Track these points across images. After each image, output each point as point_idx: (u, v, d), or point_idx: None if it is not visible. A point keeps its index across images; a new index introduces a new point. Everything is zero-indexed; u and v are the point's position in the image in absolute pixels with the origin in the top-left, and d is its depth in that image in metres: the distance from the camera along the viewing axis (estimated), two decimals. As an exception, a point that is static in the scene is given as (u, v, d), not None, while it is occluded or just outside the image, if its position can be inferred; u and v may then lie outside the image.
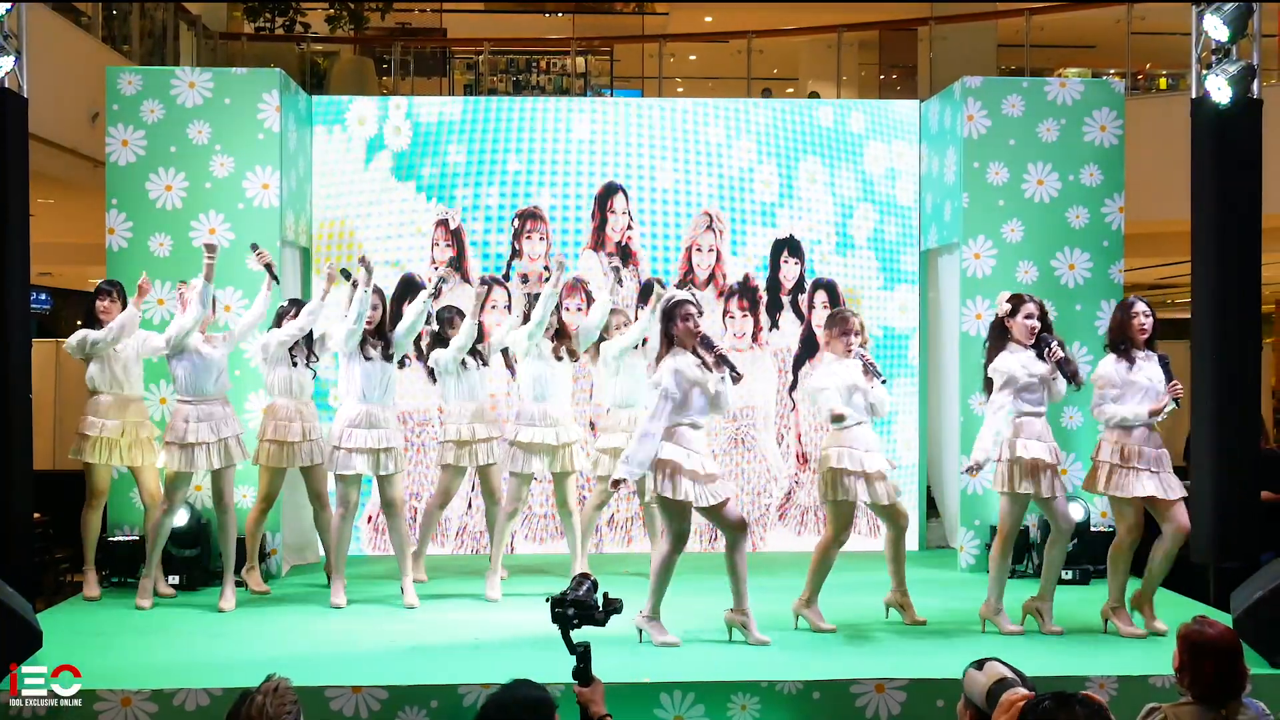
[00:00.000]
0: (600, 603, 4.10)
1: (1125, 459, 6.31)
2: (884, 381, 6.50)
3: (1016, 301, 6.41)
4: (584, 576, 4.16)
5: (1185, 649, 3.89)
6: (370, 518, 8.57)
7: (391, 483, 7.03)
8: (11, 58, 7.13)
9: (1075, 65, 14.68)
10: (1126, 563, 6.46)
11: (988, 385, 6.46)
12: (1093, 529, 7.94)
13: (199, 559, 7.61)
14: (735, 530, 6.15)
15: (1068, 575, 7.74)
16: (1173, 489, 6.31)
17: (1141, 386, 6.31)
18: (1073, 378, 6.36)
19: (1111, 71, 13.63)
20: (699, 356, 6.01)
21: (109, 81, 7.98)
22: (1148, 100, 12.26)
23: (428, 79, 15.52)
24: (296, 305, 7.43)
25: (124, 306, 7.30)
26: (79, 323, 7.42)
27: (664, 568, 6.11)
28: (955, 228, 8.40)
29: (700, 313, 6.08)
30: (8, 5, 7.09)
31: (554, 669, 5.65)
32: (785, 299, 9.03)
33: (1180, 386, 6.39)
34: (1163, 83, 13.93)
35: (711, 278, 8.97)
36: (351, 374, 6.95)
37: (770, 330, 8.99)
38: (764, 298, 9.01)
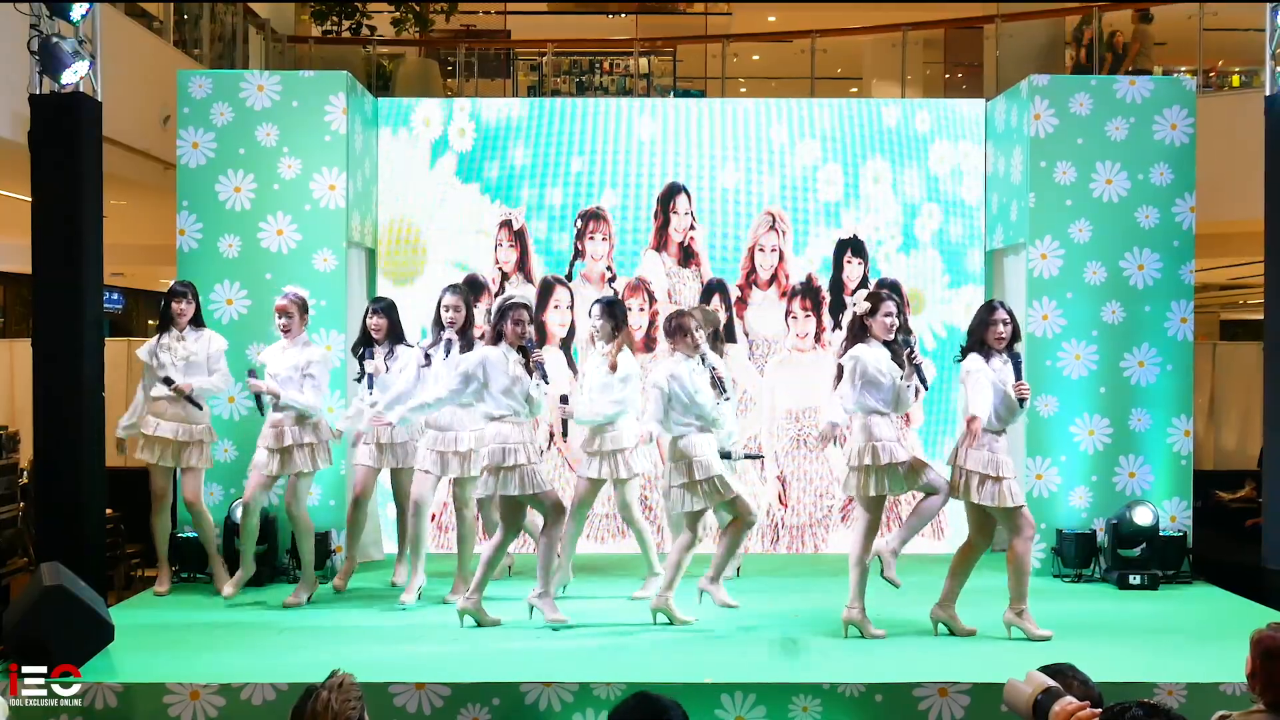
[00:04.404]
0: None
1: (999, 470, 6.27)
2: (726, 399, 6.61)
3: (876, 300, 6.33)
4: None
5: (1258, 655, 3.82)
6: (434, 515, 8.62)
7: (459, 485, 7.07)
8: (86, 62, 7.29)
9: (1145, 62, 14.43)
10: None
11: (839, 377, 6.37)
12: (1162, 533, 7.82)
13: (267, 556, 7.71)
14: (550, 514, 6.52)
15: (1135, 580, 7.65)
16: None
17: (998, 391, 6.29)
18: (924, 383, 6.32)
19: (1183, 69, 13.40)
20: (523, 357, 6.39)
21: (180, 85, 8.11)
22: (1220, 98, 12.02)
23: (492, 80, 15.58)
24: (376, 303, 7.39)
25: (198, 307, 7.38)
26: (153, 323, 7.53)
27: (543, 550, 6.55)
28: (1021, 228, 8.31)
29: (531, 320, 6.46)
30: (83, 11, 7.24)
31: (620, 668, 5.68)
32: (849, 299, 8.96)
33: (1027, 387, 6.39)
34: (1235, 80, 13.64)
35: (774, 278, 8.94)
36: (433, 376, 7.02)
37: (833, 331, 8.92)
38: (827, 298, 8.96)
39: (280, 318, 7.03)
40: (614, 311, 7.05)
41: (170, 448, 7.24)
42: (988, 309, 6.46)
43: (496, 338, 6.41)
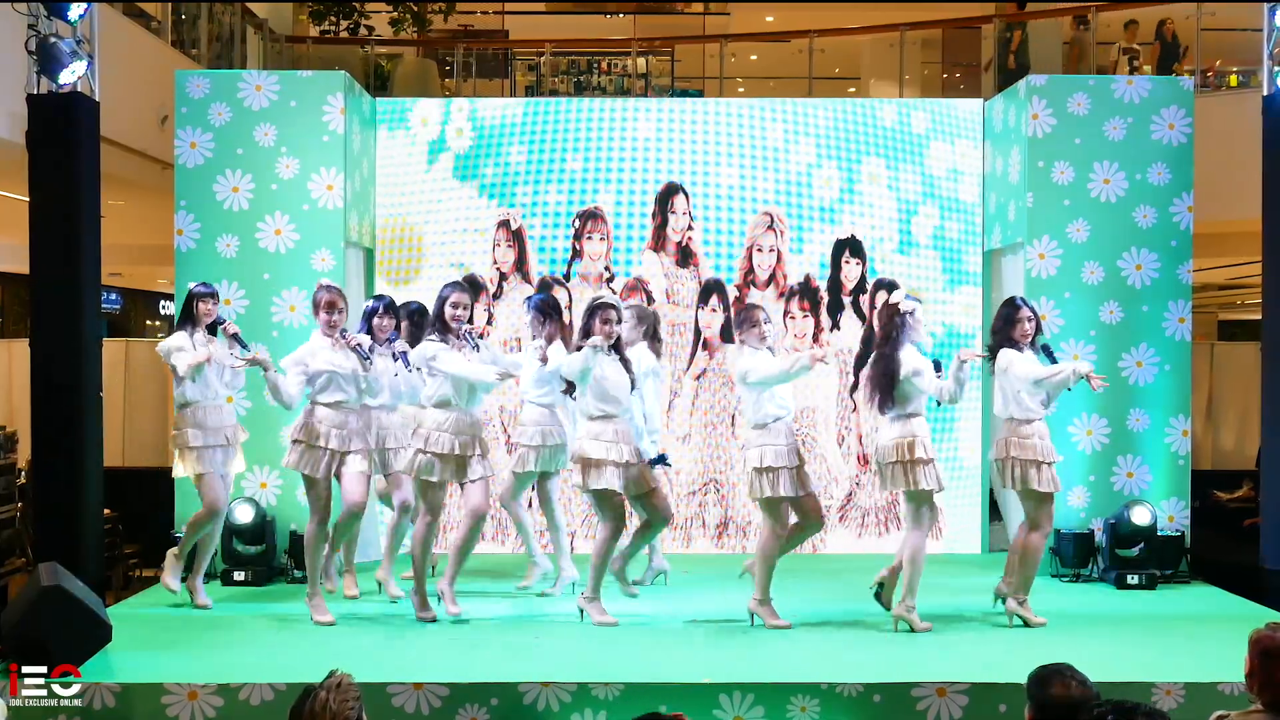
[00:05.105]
0: None
1: (1046, 455, 6.56)
2: None
3: (914, 302, 6.52)
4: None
5: (1256, 654, 3.82)
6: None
7: (471, 490, 6.67)
8: (84, 62, 7.29)
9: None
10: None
11: (892, 382, 6.42)
12: (1160, 533, 7.82)
13: (264, 555, 7.71)
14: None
15: (1133, 580, 7.66)
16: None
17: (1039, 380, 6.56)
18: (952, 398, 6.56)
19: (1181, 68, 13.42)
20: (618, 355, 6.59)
21: (178, 85, 8.11)
22: (1218, 98, 12.03)
23: (489, 80, 15.60)
24: (380, 301, 7.12)
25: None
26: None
27: (598, 551, 6.60)
28: (1019, 228, 8.31)
29: (619, 320, 6.56)
30: (81, 11, 7.24)
31: (619, 669, 5.68)
32: (846, 299, 8.98)
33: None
34: (1233, 80, 13.64)
35: (772, 278, 8.94)
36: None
37: (831, 331, 8.94)
38: (825, 298, 8.96)
39: (331, 313, 6.67)
40: (542, 308, 7.12)
41: (219, 453, 6.97)
42: (1011, 306, 6.69)
43: (587, 337, 6.49)
